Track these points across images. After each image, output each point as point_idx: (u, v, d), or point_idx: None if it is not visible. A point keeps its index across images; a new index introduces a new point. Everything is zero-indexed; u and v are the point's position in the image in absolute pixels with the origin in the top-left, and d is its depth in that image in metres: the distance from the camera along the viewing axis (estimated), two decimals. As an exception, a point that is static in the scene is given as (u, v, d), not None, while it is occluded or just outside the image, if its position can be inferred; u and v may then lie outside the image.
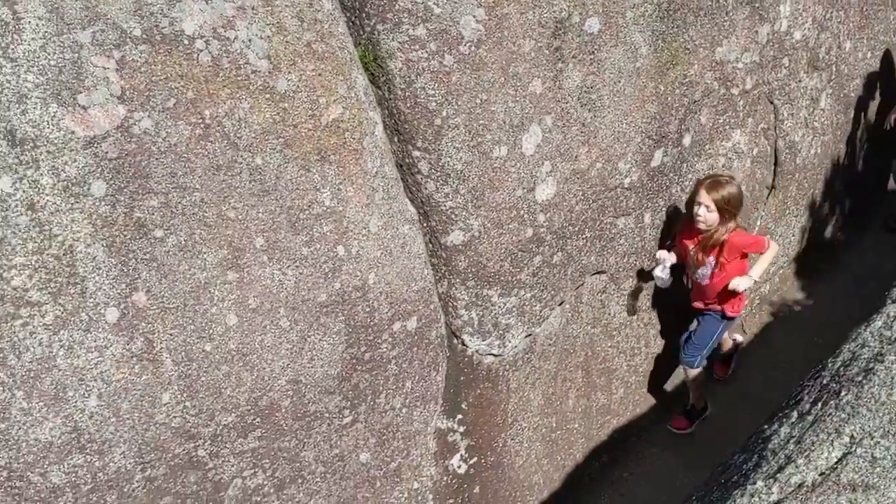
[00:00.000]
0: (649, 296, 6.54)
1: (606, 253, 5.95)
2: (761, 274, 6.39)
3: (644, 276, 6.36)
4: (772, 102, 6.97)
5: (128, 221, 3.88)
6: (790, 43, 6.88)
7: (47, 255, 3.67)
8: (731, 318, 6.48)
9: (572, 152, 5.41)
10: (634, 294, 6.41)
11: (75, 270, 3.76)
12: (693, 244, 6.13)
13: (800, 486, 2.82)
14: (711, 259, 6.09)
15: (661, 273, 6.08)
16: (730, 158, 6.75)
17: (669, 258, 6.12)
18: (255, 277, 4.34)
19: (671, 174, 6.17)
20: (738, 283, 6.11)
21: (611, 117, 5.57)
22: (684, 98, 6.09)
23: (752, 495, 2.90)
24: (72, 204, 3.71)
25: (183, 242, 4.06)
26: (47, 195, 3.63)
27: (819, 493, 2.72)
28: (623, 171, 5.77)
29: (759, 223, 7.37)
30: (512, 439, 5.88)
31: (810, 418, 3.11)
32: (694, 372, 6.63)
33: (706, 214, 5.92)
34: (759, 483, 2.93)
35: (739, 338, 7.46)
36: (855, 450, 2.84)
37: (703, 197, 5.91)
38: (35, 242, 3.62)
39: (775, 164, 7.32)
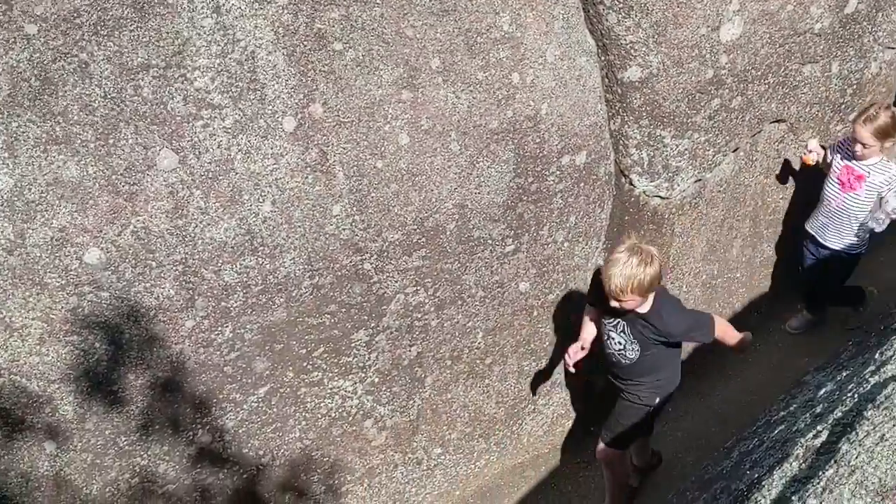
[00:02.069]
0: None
1: (788, 101, 5.75)
2: None
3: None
4: None
5: (308, 32, 3.95)
6: None
7: (230, 59, 3.78)
8: None
9: (762, -8, 5.21)
10: None
11: (256, 77, 3.87)
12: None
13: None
14: None
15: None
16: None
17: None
18: (428, 98, 4.38)
19: (864, 22, 5.87)
20: None
21: (806, -42, 5.32)
22: (888, -58, 5.75)
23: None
24: (256, 10, 3.79)
25: (361, 57, 4.12)
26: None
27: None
28: (815, 15, 5.52)
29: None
30: (672, 283, 5.86)
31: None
32: None
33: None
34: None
35: None
36: None
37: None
38: (219, 45, 3.73)
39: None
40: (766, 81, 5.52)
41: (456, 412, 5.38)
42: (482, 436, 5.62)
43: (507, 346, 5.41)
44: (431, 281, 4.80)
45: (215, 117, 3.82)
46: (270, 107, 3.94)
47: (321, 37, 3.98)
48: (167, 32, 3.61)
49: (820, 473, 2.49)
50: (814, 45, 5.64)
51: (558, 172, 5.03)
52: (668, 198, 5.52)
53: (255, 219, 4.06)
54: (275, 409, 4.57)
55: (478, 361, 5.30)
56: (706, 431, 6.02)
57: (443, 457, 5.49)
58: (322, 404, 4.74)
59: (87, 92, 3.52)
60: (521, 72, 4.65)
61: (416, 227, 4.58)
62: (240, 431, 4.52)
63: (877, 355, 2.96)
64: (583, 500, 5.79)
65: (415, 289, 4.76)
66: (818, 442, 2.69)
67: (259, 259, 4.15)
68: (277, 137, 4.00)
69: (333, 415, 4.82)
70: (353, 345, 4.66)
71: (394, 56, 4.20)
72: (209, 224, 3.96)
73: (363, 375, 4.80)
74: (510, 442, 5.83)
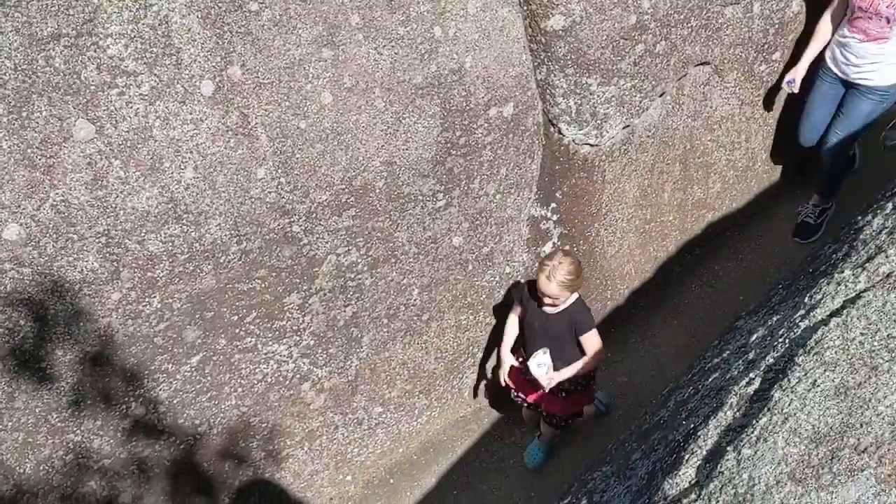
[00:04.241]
0: (756, 89, 6.35)
1: (712, 43, 5.75)
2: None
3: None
4: None
5: (223, -7, 3.86)
6: None
7: (143, 24, 3.68)
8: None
9: (682, -65, 5.18)
10: None
11: (171, 41, 3.77)
12: None
13: (888, 275, 2.77)
14: None
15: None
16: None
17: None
18: (350, 56, 4.31)
19: (786, -38, 5.89)
20: None
21: None
22: None
23: (838, 283, 2.87)
24: (167, -27, 3.70)
25: (278, 17, 4.03)
26: (142, -36, 3.62)
27: (907, 284, 2.69)
28: (735, -44, 5.52)
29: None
30: (605, 229, 5.87)
31: (906, 210, 3.04)
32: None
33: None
34: (847, 272, 2.90)
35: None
36: (949, 241, 2.78)
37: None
38: (131, 11, 3.63)
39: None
40: (689, 25, 5.51)
41: (395, 370, 5.36)
42: (423, 392, 5.62)
43: (444, 301, 5.39)
44: (363, 240, 4.76)
45: (131, 84, 3.72)
46: (187, 71, 3.85)
47: (236, -3, 3.90)
48: (77, 0, 3.50)
49: (754, 422, 2.50)
50: (735, -14, 5.65)
51: (486, 125, 4.99)
52: (597, 145, 5.51)
53: (177, 186, 3.98)
54: (209, 378, 4.52)
55: (415, 318, 5.28)
56: (645, 376, 6.07)
57: (384, 415, 5.48)
58: (257, 370, 4.70)
59: (-5, 64, 3.41)
60: (443, 25, 4.59)
61: (344, 186, 4.53)
62: (174, 402, 4.46)
63: (806, 299, 2.97)
64: (525, 449, 5.82)
65: (346, 249, 4.71)
66: (751, 390, 2.70)
67: (184, 227, 4.07)
68: (196, 102, 3.91)
69: (270, 380, 4.78)
70: (285, 309, 4.61)
71: (312, 14, 4.12)
72: (130, 194, 3.87)
73: (298, 339, 4.76)
74: (451, 397, 5.83)
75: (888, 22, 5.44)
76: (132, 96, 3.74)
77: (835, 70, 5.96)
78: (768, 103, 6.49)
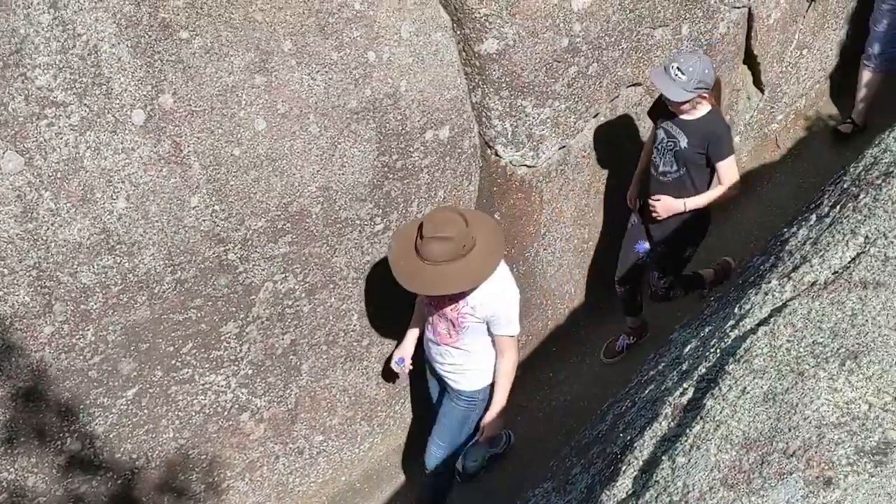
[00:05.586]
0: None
1: (642, 64, 5.83)
2: None
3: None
4: None
5: (152, 22, 3.84)
6: None
7: (71, 54, 3.65)
8: None
9: (611, -42, 5.26)
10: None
11: (100, 71, 3.75)
12: None
13: (812, 284, 2.82)
14: None
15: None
16: (777, -32, 6.53)
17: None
18: (283, 82, 4.31)
19: (713, -17, 6.00)
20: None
21: (652, -79, 5.39)
22: None
23: (766, 293, 2.91)
24: (95, 2, 3.68)
25: (209, 45, 4.02)
26: (69, -7, 3.60)
27: (830, 291, 2.72)
28: (663, -22, 5.61)
29: (797, 37, 7.16)
30: (544, 249, 5.91)
31: (828, 220, 3.09)
32: None
33: None
34: (774, 282, 2.94)
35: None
36: (868, 249, 2.82)
37: None
38: (59, 41, 3.60)
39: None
40: (620, 47, 5.58)
41: (336, 397, 5.33)
42: (364, 419, 5.59)
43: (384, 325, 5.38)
44: (300, 266, 4.74)
45: (60, 115, 3.69)
46: (118, 101, 3.82)
47: (166, 26, 3.88)
48: (2, 31, 3.47)
49: (688, 431, 2.52)
50: (663, 9, 5.73)
51: (423, 148, 5.01)
52: (534, 166, 5.55)
53: (109, 216, 3.94)
54: (146, 411, 4.46)
55: (355, 344, 5.26)
56: (586, 394, 6.09)
57: (325, 444, 5.44)
58: (195, 401, 4.64)
59: (-82, 96, 3.37)
60: (377, 50, 4.61)
61: (280, 212, 4.51)
62: (111, 436, 4.40)
63: (736, 309, 3.01)
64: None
65: (283, 275, 4.69)
66: (685, 399, 2.73)
67: (117, 257, 4.03)
68: (127, 132, 3.88)
69: (208, 411, 4.73)
70: (222, 338, 4.58)
71: (243, 41, 4.12)
72: (62, 225, 3.83)
73: (236, 368, 4.71)
74: (393, 422, 5.81)
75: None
76: (62, 127, 3.70)
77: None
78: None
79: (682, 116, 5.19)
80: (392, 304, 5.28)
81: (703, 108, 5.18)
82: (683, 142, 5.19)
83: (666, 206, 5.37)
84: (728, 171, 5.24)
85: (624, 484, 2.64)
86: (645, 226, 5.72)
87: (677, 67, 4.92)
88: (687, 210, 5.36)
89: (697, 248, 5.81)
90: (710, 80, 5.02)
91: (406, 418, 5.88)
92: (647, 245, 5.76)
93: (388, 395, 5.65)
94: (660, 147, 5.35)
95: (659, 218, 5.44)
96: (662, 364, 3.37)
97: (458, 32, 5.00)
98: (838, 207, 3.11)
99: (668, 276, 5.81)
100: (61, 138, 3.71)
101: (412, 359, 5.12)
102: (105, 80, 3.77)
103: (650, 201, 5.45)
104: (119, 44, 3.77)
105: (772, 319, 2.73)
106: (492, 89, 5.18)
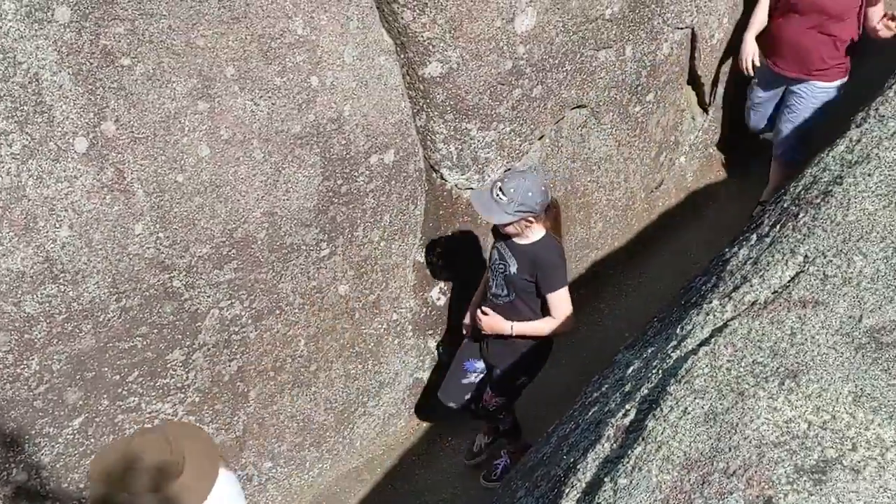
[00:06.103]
0: (631, 130, 6.50)
1: (587, 86, 5.88)
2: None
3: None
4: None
5: (94, 49, 3.82)
6: None
7: (12, 83, 3.62)
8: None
9: (552, -18, 5.30)
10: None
11: (42, 99, 3.72)
12: None
13: (752, 303, 2.86)
14: None
15: None
16: (716, -9, 6.63)
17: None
18: (226, 108, 4.30)
19: (653, 5, 6.05)
20: None
21: (592, -54, 5.44)
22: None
23: (707, 313, 2.95)
24: (36, 30, 3.65)
25: (151, 71, 4.01)
26: (10, 21, 3.57)
27: (770, 310, 2.77)
28: (604, 1, 5.66)
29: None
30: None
31: (768, 240, 3.14)
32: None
33: None
34: (715, 302, 2.98)
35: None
36: (808, 268, 2.87)
37: None
38: (-2, 70, 3.58)
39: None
40: (564, 69, 5.63)
41: (284, 424, 5.30)
42: (313, 444, 5.56)
43: (332, 351, 5.36)
44: (246, 293, 4.72)
45: (2, 144, 3.65)
46: (60, 128, 3.80)
47: (107, 53, 3.86)
48: (-60, 59, 3.45)
49: (629, 452, 2.55)
50: (606, 31, 5.79)
51: (368, 172, 5.02)
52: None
53: (53, 245, 3.91)
54: (92, 440, 4.41)
55: (302, 370, 5.24)
56: (536, 418, 6.10)
57: (274, 470, 5.41)
58: (142, 429, 4.61)
59: None
60: (320, 74, 4.62)
61: (224, 239, 4.50)
62: (57, 466, 4.34)
63: (678, 330, 3.05)
64: (418, 497, 5.80)
65: (229, 302, 4.67)
66: (627, 421, 2.75)
67: (61, 286, 3.99)
68: (70, 159, 3.86)
69: (156, 439, 4.68)
70: (168, 366, 4.54)
71: (186, 67, 4.11)
72: (5, 254, 3.79)
73: (183, 396, 4.68)
74: (343, 448, 5.79)
75: None
76: (3, 156, 3.67)
77: None
78: (644, 143, 6.65)
79: (514, 239, 4.78)
80: (337, 330, 5.28)
81: (536, 233, 4.75)
82: (513, 267, 4.80)
83: (491, 324, 4.97)
84: (559, 305, 4.81)
85: (568, 506, 2.66)
86: (479, 343, 5.35)
87: (500, 188, 4.53)
88: (514, 334, 4.96)
89: (532, 379, 5.32)
90: (535, 203, 4.55)
91: (356, 443, 5.86)
92: (478, 364, 5.41)
93: (336, 421, 5.63)
94: (493, 268, 4.96)
95: (484, 333, 5.09)
96: (606, 385, 3.40)
97: (402, 56, 5.02)
98: (778, 227, 3.17)
99: (501, 396, 5.35)
100: (3, 167, 3.68)
101: None
102: (47, 107, 3.74)
103: (478, 313, 5.05)
104: (60, 71, 3.75)
105: (713, 340, 2.77)
106: (436, 113, 5.21)
